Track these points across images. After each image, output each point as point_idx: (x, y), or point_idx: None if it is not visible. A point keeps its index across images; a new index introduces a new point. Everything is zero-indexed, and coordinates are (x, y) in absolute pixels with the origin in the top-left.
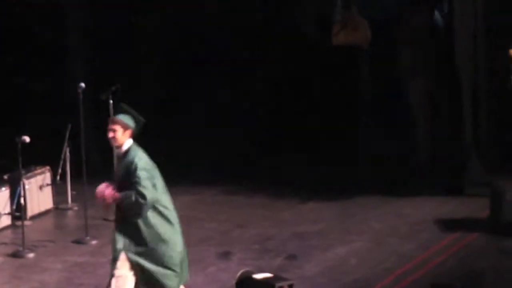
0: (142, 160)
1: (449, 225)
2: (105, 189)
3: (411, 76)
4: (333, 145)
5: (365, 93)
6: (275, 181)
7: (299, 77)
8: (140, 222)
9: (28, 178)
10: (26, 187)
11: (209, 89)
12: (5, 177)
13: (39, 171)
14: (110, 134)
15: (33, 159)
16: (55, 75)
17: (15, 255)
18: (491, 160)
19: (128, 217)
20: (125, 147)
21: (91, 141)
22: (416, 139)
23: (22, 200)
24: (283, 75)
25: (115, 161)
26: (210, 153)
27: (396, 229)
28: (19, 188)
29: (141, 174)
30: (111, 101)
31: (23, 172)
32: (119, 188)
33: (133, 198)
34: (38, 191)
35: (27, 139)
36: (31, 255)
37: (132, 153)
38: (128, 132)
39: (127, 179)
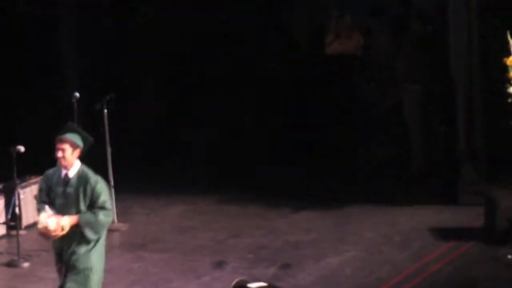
0: (101, 181)
1: (443, 234)
2: (57, 220)
3: (406, 84)
4: (326, 155)
5: (358, 102)
6: (269, 191)
7: (293, 87)
8: (93, 245)
9: (23, 187)
10: (21, 196)
11: (204, 97)
12: (0, 186)
13: (34, 180)
14: (59, 154)
15: (28, 168)
16: (49, 85)
17: (10, 264)
18: (485, 169)
19: (88, 238)
20: (74, 168)
21: (86, 151)
22: (410, 148)
23: (17, 210)
24: (276, 86)
25: (56, 184)
26: (204, 163)
27: (389, 238)
28: (14, 198)
29: (104, 194)
30: (105, 110)
31: (17, 181)
32: (72, 212)
33: (98, 218)
34: (33, 201)
35: (21, 148)
36: (26, 264)
37: (85, 174)
38: (77, 152)
39: (82, 201)
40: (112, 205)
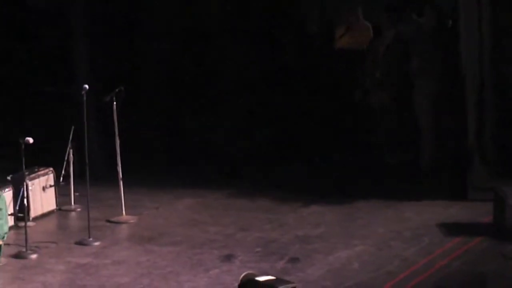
0: None
1: (452, 229)
2: None
3: (418, 79)
4: (336, 149)
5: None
6: (278, 185)
7: (301, 82)
8: None
9: (31, 179)
10: (29, 188)
11: (213, 93)
12: (8, 178)
13: (42, 172)
14: None
15: (37, 160)
16: (59, 77)
17: (18, 256)
18: (494, 165)
19: None
20: None
21: (95, 143)
22: (420, 144)
23: (25, 201)
24: (285, 80)
25: None
26: (213, 157)
27: (398, 233)
28: (22, 189)
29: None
30: (114, 103)
31: (26, 173)
32: None
33: None
34: (41, 192)
35: (30, 140)
36: (34, 256)
37: None
38: None
39: None
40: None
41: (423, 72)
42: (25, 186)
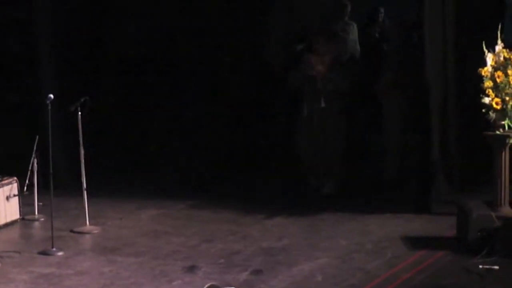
0: None
1: (415, 242)
2: None
3: (390, 90)
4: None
5: None
6: (241, 197)
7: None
8: None
9: None
10: None
11: (177, 102)
12: None
13: (6, 181)
14: None
15: (0, 169)
16: (23, 87)
17: None
18: (458, 179)
19: None
20: None
21: (59, 153)
22: (384, 156)
23: None
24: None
25: None
26: (177, 167)
27: (362, 246)
28: None
29: None
30: (79, 113)
31: None
32: None
33: None
34: (5, 202)
35: None
36: None
37: None
38: None
39: None
40: None
41: (391, 87)
42: None
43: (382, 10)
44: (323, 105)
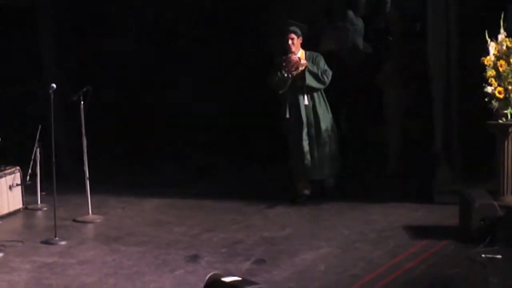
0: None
1: (418, 232)
2: None
3: (391, 83)
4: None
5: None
6: (244, 187)
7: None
8: None
9: None
10: None
11: (179, 92)
12: None
13: (8, 171)
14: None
15: (3, 159)
16: (26, 77)
17: None
18: (461, 168)
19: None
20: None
21: (62, 142)
22: (387, 145)
23: None
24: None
25: None
26: (180, 157)
27: (364, 235)
28: None
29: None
30: (82, 102)
31: None
32: None
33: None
34: (8, 191)
35: None
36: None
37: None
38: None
39: None
40: None
41: (393, 78)
42: None
43: (389, 0)
44: (306, 103)
